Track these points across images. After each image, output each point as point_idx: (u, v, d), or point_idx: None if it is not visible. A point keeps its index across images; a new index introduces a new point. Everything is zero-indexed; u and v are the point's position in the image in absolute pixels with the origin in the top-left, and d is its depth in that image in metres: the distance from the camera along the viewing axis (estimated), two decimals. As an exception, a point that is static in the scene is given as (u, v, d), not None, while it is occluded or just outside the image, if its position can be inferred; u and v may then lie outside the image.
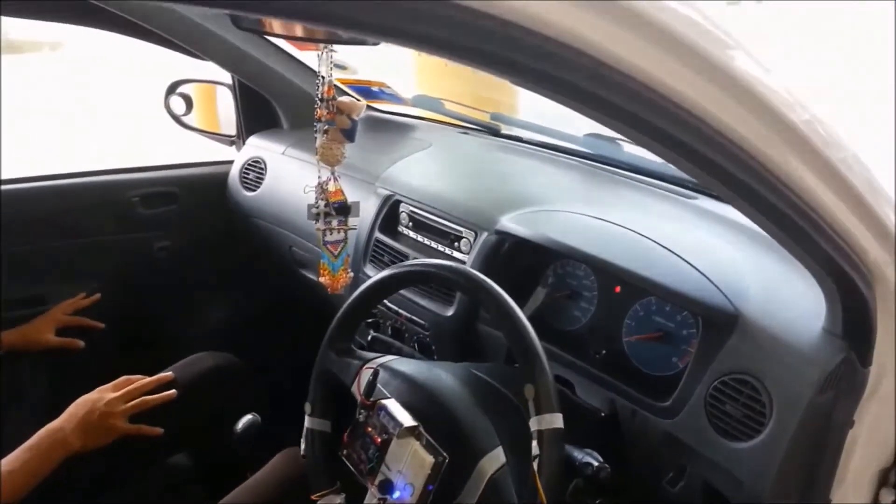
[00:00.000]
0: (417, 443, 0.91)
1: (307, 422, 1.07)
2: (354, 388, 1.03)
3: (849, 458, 0.91)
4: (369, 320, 1.49)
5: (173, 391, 1.31)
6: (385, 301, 1.43)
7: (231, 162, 2.02)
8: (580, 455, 0.91)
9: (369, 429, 0.97)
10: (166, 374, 1.35)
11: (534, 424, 0.82)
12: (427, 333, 1.37)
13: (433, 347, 1.38)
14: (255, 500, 1.15)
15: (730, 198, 0.70)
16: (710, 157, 0.60)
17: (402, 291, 1.40)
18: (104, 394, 1.24)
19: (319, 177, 1.27)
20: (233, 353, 1.53)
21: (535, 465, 0.80)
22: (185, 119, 2.05)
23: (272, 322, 2.16)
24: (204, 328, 2.04)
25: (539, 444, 0.81)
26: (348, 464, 1.00)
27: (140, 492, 1.34)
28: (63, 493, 1.18)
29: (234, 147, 2.09)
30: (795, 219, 0.69)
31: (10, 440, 1.16)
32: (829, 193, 0.68)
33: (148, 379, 1.31)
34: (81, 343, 1.55)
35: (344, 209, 1.29)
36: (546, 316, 1.27)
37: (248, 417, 1.39)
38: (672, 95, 0.54)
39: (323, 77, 1.17)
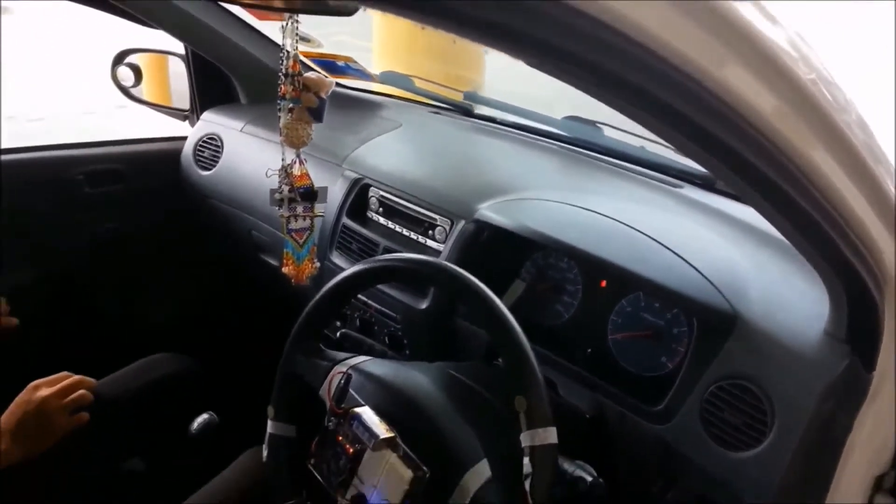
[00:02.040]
0: (394, 455, 0.83)
1: (270, 426, 0.99)
2: (324, 392, 0.94)
3: (845, 463, 0.87)
4: (335, 311, 1.40)
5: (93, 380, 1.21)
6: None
7: (184, 138, 1.89)
8: (571, 468, 0.85)
9: (340, 438, 0.89)
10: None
11: (525, 440, 0.75)
12: (399, 327, 1.29)
13: (405, 342, 1.30)
14: (218, 502, 1.06)
15: (729, 179, 0.62)
16: (707, 128, 0.51)
17: (372, 282, 1.32)
18: (39, 390, 1.13)
19: (283, 159, 1.17)
20: (188, 348, 1.43)
21: (527, 484, 0.73)
22: (134, 91, 1.91)
23: (231, 312, 2.05)
24: (157, 320, 1.92)
25: (531, 460, 0.74)
26: (316, 474, 0.92)
27: (96, 499, 1.24)
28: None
29: (187, 122, 1.96)
30: (810, 211, 0.62)
31: None
32: (841, 174, 0.61)
33: (87, 379, 1.20)
34: (15, 321, 1.41)
35: (310, 195, 1.19)
36: (525, 310, 1.20)
37: (203, 417, 1.30)
38: (653, 44, 0.43)
39: (287, 51, 1.07)
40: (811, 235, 0.67)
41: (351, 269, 0.96)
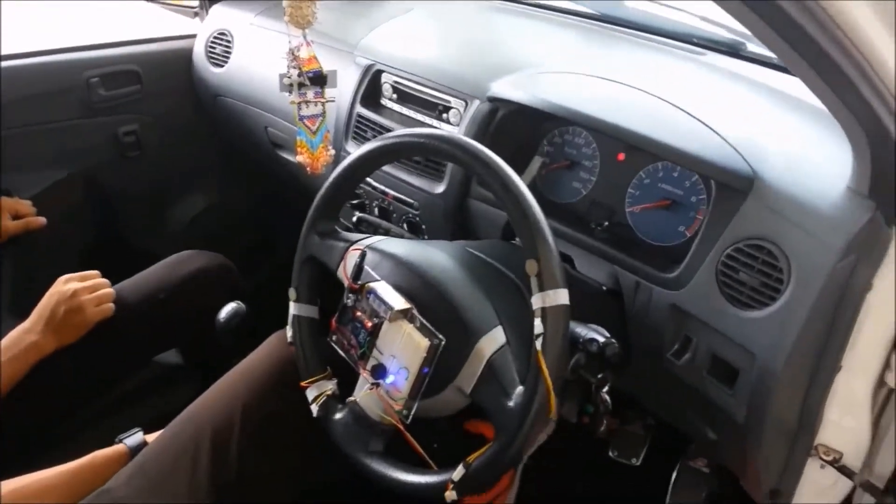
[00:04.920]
0: (411, 325, 0.85)
1: (292, 308, 1.01)
2: (341, 272, 0.96)
3: (863, 322, 0.87)
4: (354, 202, 1.40)
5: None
6: (370, 180, 1.34)
7: (194, 36, 1.85)
8: (584, 331, 0.86)
9: (358, 313, 0.91)
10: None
11: (537, 302, 0.75)
12: (416, 213, 1.29)
13: (423, 227, 1.30)
14: (246, 383, 1.10)
15: (758, 30, 0.60)
16: None
17: (388, 169, 1.31)
18: (69, 283, 1.17)
19: (290, 42, 1.14)
20: (211, 245, 1.45)
21: (537, 343, 0.74)
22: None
23: (251, 209, 2.07)
24: (180, 219, 1.95)
25: (542, 322, 0.74)
26: (338, 349, 0.94)
27: (132, 390, 1.30)
28: (53, 398, 1.14)
29: (197, 19, 1.92)
30: (831, 53, 0.59)
31: None
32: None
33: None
34: (43, 220, 1.45)
35: (320, 79, 1.17)
36: (543, 189, 1.19)
37: (231, 306, 1.33)
38: None
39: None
40: (832, 78, 0.64)
41: (363, 147, 0.95)
